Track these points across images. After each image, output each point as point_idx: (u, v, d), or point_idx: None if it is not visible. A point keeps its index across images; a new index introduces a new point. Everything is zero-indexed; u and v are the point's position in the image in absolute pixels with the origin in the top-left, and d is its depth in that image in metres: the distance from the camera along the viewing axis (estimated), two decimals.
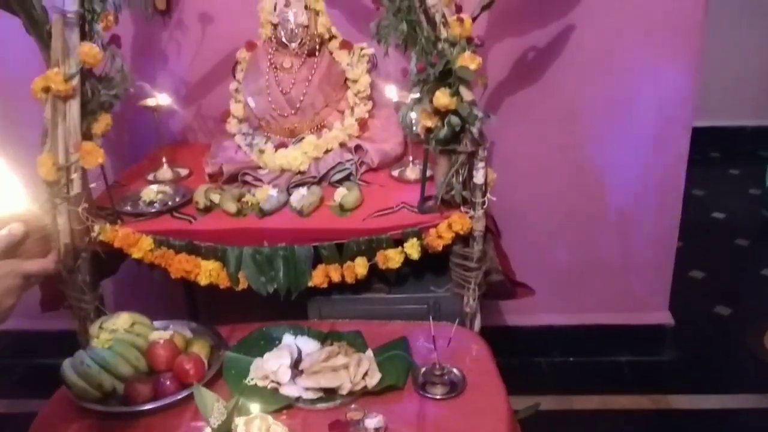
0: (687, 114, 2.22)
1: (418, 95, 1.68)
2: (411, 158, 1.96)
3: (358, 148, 1.98)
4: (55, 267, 1.02)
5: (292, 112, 1.96)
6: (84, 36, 1.58)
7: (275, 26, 1.96)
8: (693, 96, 2.19)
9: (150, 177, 2.01)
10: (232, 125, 2.06)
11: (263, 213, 1.75)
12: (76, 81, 1.57)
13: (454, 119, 1.60)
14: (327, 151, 1.95)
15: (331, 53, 2.04)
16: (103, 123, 1.67)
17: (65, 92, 1.55)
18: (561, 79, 2.17)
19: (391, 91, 1.91)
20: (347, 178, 1.93)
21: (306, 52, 1.98)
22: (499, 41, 2.13)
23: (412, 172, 1.93)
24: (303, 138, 1.96)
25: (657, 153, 2.27)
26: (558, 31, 2.11)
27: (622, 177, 2.32)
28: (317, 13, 1.96)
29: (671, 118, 2.22)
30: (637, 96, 2.21)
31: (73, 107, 1.60)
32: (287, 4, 1.93)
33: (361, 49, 2.05)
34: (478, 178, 1.66)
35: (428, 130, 1.67)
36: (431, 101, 1.61)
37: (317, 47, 1.99)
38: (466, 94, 1.59)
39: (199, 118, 2.29)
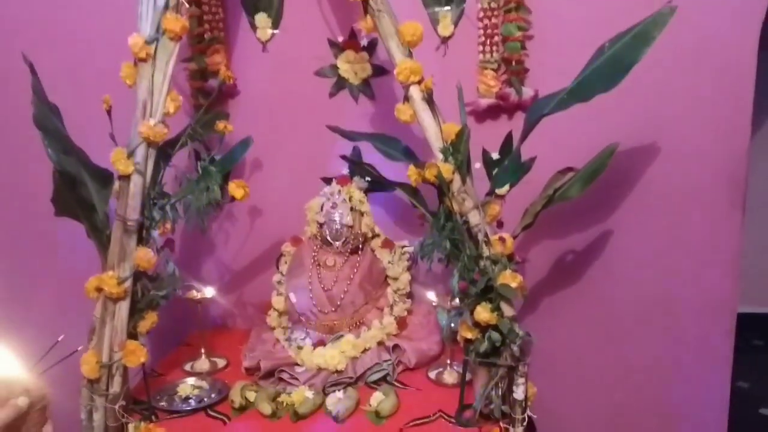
0: (729, 317, 2.19)
1: (457, 302, 1.70)
2: (449, 360, 1.95)
3: (395, 347, 1.98)
4: None
5: (333, 309, 1.99)
6: (140, 240, 1.66)
7: (321, 225, 2.04)
8: (733, 298, 2.17)
9: (187, 367, 2.02)
10: (272, 318, 2.09)
11: (298, 417, 1.73)
12: (128, 283, 1.63)
13: (495, 335, 1.60)
14: (365, 350, 1.95)
15: (373, 251, 2.09)
16: (149, 321, 1.71)
17: (117, 294, 1.61)
18: (599, 281, 2.18)
19: (431, 295, 1.93)
20: (384, 378, 1.91)
21: (349, 250, 2.04)
22: (537, 243, 2.17)
23: (450, 376, 1.91)
24: (341, 336, 1.97)
25: (700, 350, 2.21)
26: (596, 236, 2.15)
27: (664, 377, 2.25)
28: (362, 214, 2.04)
29: (713, 316, 2.17)
30: (677, 296, 2.19)
31: (123, 308, 1.64)
32: (334, 206, 2.01)
33: (402, 247, 2.11)
34: (519, 393, 1.62)
35: (468, 341, 1.67)
36: (472, 313, 1.62)
37: (360, 246, 2.06)
38: (507, 310, 1.60)
39: (240, 305, 2.33)
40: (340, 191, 2.02)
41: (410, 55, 1.61)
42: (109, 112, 1.59)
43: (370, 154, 2.01)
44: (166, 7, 1.57)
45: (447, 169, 1.58)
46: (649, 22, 1.48)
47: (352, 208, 2.02)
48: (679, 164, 2.07)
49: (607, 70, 1.47)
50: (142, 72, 1.59)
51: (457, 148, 1.59)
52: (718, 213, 2.11)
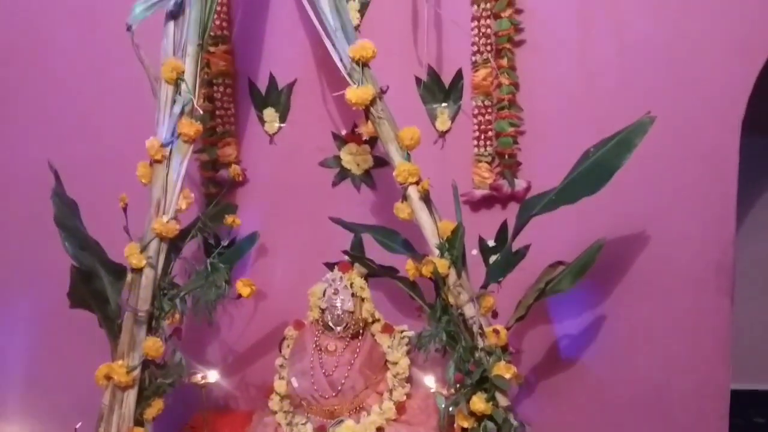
0: (723, 401, 2.22)
1: (453, 391, 1.76)
2: None
3: None
4: None
5: (333, 394, 2.04)
6: (149, 329, 1.73)
7: (323, 310, 2.11)
8: (725, 382, 2.21)
9: None
10: (274, 402, 2.14)
11: None
12: (137, 372, 1.70)
13: (490, 425, 1.65)
14: None
15: (373, 335, 2.16)
16: (155, 408, 1.77)
17: (126, 383, 1.67)
18: (593, 366, 2.23)
19: (429, 381, 1.99)
20: None
21: (350, 335, 2.10)
22: (532, 329, 2.23)
23: None
24: (342, 421, 2.01)
25: None
26: (589, 322, 2.21)
27: None
28: (362, 300, 2.12)
29: (706, 400, 2.20)
30: (670, 380, 2.22)
31: (131, 396, 1.71)
32: (335, 292, 2.09)
33: (402, 331, 2.17)
34: None
35: (464, 430, 1.72)
36: (468, 403, 1.68)
37: (361, 331, 2.12)
38: (502, 400, 1.66)
39: (242, 387, 2.38)
40: (341, 278, 2.10)
41: (408, 157, 1.72)
42: (124, 209, 1.69)
43: (372, 240, 2.10)
44: (182, 113, 1.69)
45: (443, 265, 1.67)
46: (630, 130, 1.59)
47: (353, 294, 2.10)
48: (667, 251, 2.15)
49: (592, 174, 1.58)
50: (157, 172, 1.70)
51: (452, 244, 1.69)
52: (708, 299, 2.18)
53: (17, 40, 2.35)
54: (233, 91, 2.25)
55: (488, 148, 2.15)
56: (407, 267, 1.77)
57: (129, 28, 1.64)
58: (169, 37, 1.71)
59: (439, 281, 1.70)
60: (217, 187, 2.22)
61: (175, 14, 1.70)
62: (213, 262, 1.78)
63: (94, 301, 1.69)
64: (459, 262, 1.70)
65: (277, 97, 2.25)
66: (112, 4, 2.19)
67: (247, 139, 2.30)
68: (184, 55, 1.70)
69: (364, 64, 1.68)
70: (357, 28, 2.13)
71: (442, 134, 2.20)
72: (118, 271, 1.71)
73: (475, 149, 2.16)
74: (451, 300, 1.71)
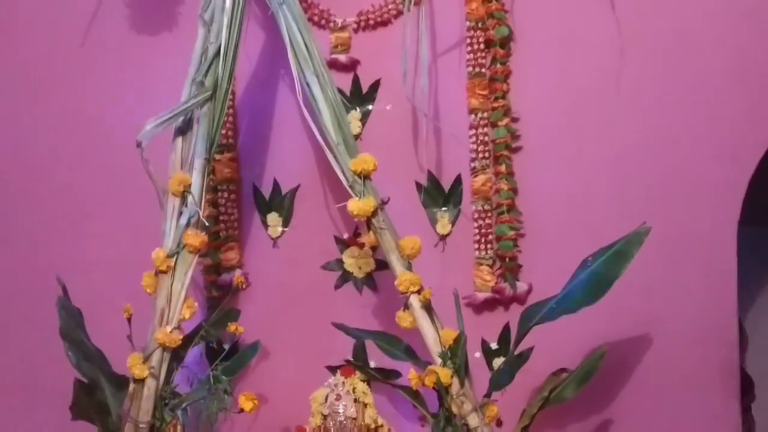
0: None
1: None
2: None
3: None
4: None
5: None
6: None
7: (325, 417, 2.09)
8: None
9: None
10: None
11: None
12: None
13: None
14: None
15: None
16: None
17: None
18: None
19: None
20: None
21: None
22: None
23: None
24: None
25: None
26: (596, 425, 2.16)
27: None
28: (365, 406, 2.09)
29: None
30: None
31: None
32: (338, 398, 2.07)
33: None
34: None
35: None
36: None
37: None
38: None
39: None
40: (344, 383, 2.09)
41: (409, 266, 1.75)
42: (129, 320, 1.71)
43: None
44: (188, 224, 1.73)
45: (446, 374, 1.67)
46: (627, 241, 1.63)
47: (355, 400, 2.08)
48: (671, 354, 2.13)
49: (590, 284, 1.61)
50: (162, 282, 1.73)
51: (455, 353, 1.69)
52: (714, 400, 2.15)
53: (24, 150, 2.42)
54: (237, 197, 2.31)
55: (489, 252, 2.18)
56: (410, 377, 1.76)
57: (139, 145, 1.71)
58: (177, 152, 1.78)
59: (442, 391, 1.70)
60: (219, 291, 2.24)
61: (184, 130, 1.77)
62: (216, 374, 1.78)
63: (95, 413, 1.68)
64: (462, 371, 1.70)
65: (281, 202, 2.30)
66: (118, 117, 2.28)
67: (251, 243, 2.34)
68: (191, 169, 1.76)
69: (365, 176, 1.74)
70: (358, 136, 2.20)
71: (443, 238, 2.23)
72: (120, 382, 1.70)
73: (476, 252, 2.19)
74: (455, 410, 1.69)
